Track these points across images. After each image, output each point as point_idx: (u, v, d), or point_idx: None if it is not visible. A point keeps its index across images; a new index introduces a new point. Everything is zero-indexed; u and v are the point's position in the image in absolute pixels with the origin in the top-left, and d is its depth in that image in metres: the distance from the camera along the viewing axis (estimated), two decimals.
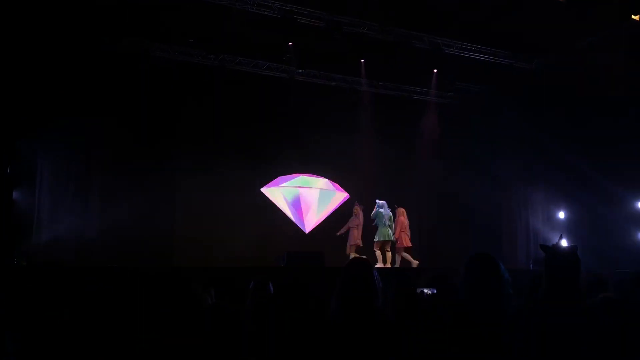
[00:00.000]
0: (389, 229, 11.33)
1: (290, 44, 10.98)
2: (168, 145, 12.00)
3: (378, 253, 11.31)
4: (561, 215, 12.54)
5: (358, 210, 11.88)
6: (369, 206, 11.78)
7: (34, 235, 10.08)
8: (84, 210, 10.84)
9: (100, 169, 11.33)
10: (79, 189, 11.00)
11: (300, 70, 12.33)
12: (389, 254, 11.32)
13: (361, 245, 11.68)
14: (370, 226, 11.69)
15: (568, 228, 12.12)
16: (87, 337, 2.75)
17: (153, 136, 11.66)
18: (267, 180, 12.28)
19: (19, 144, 9.81)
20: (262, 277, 4.11)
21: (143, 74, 11.20)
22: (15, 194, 9.70)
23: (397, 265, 11.35)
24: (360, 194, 12.51)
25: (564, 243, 11.98)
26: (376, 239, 11.39)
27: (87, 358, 2.71)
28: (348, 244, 11.67)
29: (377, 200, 11.55)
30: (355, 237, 11.68)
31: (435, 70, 12.69)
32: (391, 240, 11.37)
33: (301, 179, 12.18)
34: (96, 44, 10.63)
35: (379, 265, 10.96)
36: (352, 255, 11.16)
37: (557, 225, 12.56)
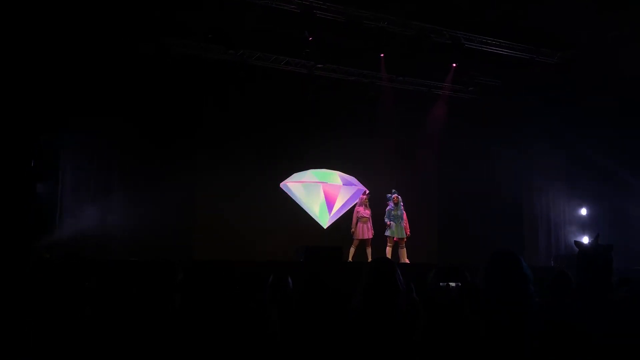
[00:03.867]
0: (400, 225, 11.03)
1: (310, 38, 10.97)
2: (188, 141, 12.04)
3: (389, 249, 11.00)
4: (583, 212, 12.38)
5: (366, 201, 11.33)
6: (381, 200, 11.52)
7: (57, 229, 10.22)
8: (105, 205, 10.93)
9: (121, 164, 11.39)
10: (100, 184, 11.09)
11: (320, 65, 12.33)
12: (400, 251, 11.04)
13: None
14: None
15: (590, 224, 11.97)
16: (110, 330, 2.77)
17: (173, 132, 11.74)
18: (285, 175, 12.30)
19: (42, 139, 9.92)
20: (281, 271, 4.12)
21: (162, 70, 11.26)
22: (38, 187, 9.83)
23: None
24: (379, 189, 12.45)
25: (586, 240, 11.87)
26: (392, 234, 11.05)
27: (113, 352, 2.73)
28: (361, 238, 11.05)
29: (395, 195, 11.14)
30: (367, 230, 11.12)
31: (454, 65, 12.56)
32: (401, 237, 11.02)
33: (322, 173, 12.13)
34: (116, 41, 10.68)
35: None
36: (368, 250, 10.97)
37: (580, 220, 12.41)
